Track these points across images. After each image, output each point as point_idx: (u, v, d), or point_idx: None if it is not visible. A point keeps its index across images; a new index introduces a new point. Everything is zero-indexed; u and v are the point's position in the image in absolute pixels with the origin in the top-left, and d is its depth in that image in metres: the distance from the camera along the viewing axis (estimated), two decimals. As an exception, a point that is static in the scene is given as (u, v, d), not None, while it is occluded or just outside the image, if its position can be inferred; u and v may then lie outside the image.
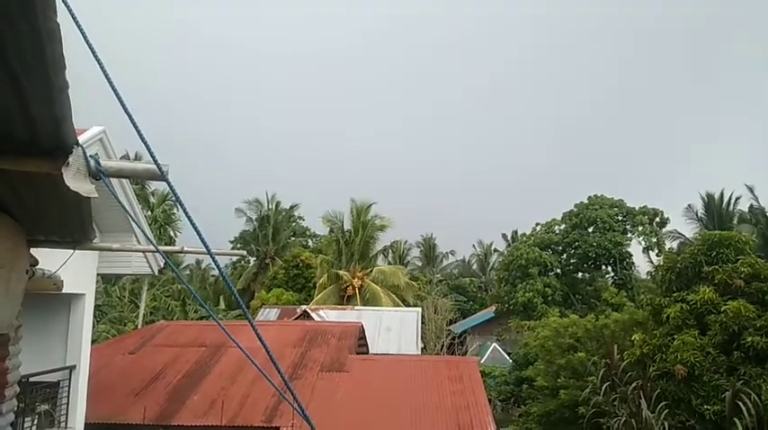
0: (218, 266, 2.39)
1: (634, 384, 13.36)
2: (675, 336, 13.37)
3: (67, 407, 9.87)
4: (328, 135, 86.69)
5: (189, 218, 2.03)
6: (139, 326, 24.66)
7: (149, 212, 33.63)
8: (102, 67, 1.74)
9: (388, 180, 72.34)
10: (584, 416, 14.73)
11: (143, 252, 9.97)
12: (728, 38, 74.68)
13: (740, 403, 11.45)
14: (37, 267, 3.80)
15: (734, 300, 12.79)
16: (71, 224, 3.20)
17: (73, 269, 5.95)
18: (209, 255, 2.68)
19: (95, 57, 1.69)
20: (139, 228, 8.47)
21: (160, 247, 4.36)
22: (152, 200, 36.02)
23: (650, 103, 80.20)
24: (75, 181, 2.28)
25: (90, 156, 2.37)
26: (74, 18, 1.62)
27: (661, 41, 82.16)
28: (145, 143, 1.96)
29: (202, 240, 2.04)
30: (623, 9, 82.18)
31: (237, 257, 47.76)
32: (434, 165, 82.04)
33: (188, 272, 46.16)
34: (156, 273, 12.09)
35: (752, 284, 13.26)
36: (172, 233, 35.97)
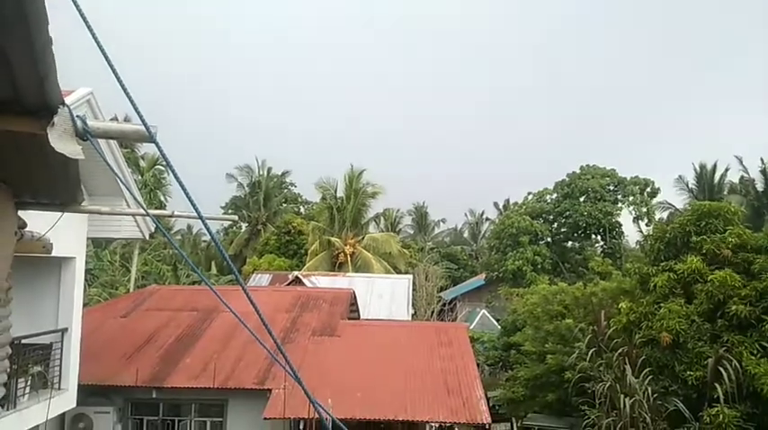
0: (209, 230, 2.36)
1: (620, 350, 13.63)
2: (662, 305, 13.59)
3: (60, 368, 9.94)
4: (323, 96, 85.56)
5: (178, 180, 1.99)
6: (131, 291, 24.73)
7: (139, 176, 33.34)
8: (88, 26, 1.67)
9: (381, 147, 71.93)
10: (569, 381, 15.08)
11: (133, 215, 9.90)
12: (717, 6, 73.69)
13: (722, 369, 11.74)
14: (26, 229, 3.75)
15: (721, 270, 12.97)
16: (58, 186, 3.14)
17: (63, 232, 5.90)
18: (199, 220, 2.65)
19: (81, 15, 1.62)
20: (129, 191, 8.38)
21: (150, 211, 4.31)
22: (142, 163, 35.64)
23: (645, 76, 79.59)
24: (61, 141, 2.23)
25: (77, 116, 2.31)
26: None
27: (657, 6, 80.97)
28: (132, 103, 1.90)
29: (193, 204, 2.00)
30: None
31: (229, 223, 47.71)
32: (427, 133, 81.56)
33: (179, 237, 46.07)
34: (147, 238, 12.06)
35: (739, 254, 13.43)
36: (162, 197, 35.71)
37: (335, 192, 36.25)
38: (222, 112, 78.76)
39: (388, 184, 37.28)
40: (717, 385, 11.73)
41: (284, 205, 51.78)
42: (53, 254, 6.29)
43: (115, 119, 27.32)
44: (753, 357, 11.74)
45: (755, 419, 11.65)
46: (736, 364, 11.66)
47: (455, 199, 58.78)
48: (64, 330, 9.99)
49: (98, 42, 1.75)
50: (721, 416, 11.38)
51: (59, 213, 3.80)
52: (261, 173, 47.87)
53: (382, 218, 48.69)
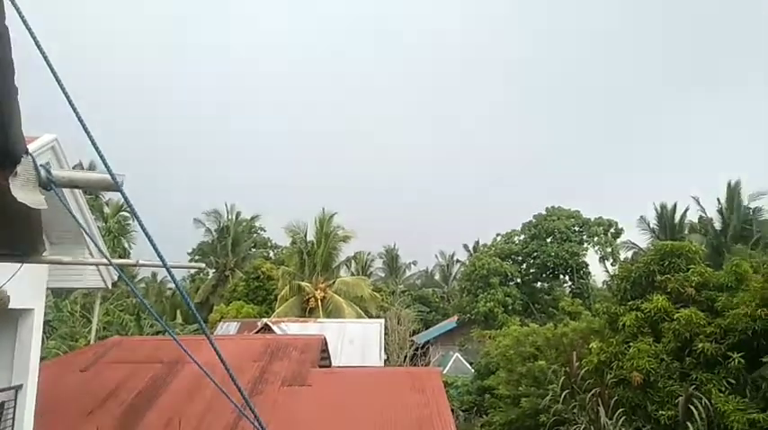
0: (173, 279, 2.30)
1: (592, 391, 13.63)
2: (631, 344, 13.73)
3: (13, 429, 9.35)
4: (288, 139, 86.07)
5: (143, 229, 1.95)
6: (92, 342, 23.72)
7: (103, 223, 32.60)
8: (53, 72, 1.66)
9: (350, 190, 72.29)
10: (545, 424, 14.93)
11: (96, 265, 9.60)
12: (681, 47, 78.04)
13: (692, 407, 11.82)
14: (-19, 282, 3.60)
15: (685, 308, 13.23)
16: (19, 236, 3.04)
17: (21, 283, 5.67)
18: (164, 268, 2.59)
19: (46, 61, 1.61)
20: (92, 240, 8.16)
21: (114, 260, 4.20)
22: (106, 209, 34.94)
23: (607, 119, 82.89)
24: (24, 191, 2.17)
25: (40, 165, 2.26)
26: (23, 20, 1.54)
27: (615, 48, 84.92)
28: (98, 150, 1.88)
29: (157, 252, 1.96)
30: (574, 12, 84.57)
31: (195, 270, 46.73)
32: (396, 176, 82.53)
33: (143, 285, 44.86)
34: (110, 287, 11.67)
35: (702, 292, 13.76)
36: (126, 244, 34.91)
37: (305, 236, 36.06)
38: (188, 154, 78.31)
39: (359, 226, 37.39)
40: (688, 423, 11.78)
41: (253, 250, 51.19)
42: (11, 306, 6.02)
43: (80, 166, 26.87)
44: (721, 394, 11.87)
45: (728, 458, 11.68)
46: (706, 402, 11.77)
47: (425, 241, 59.15)
48: (18, 387, 9.45)
49: (61, 85, 1.74)
50: (695, 456, 11.39)
51: (18, 265, 3.66)
52: (229, 217, 47.43)
53: (353, 261, 48.51)
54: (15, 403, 9.40)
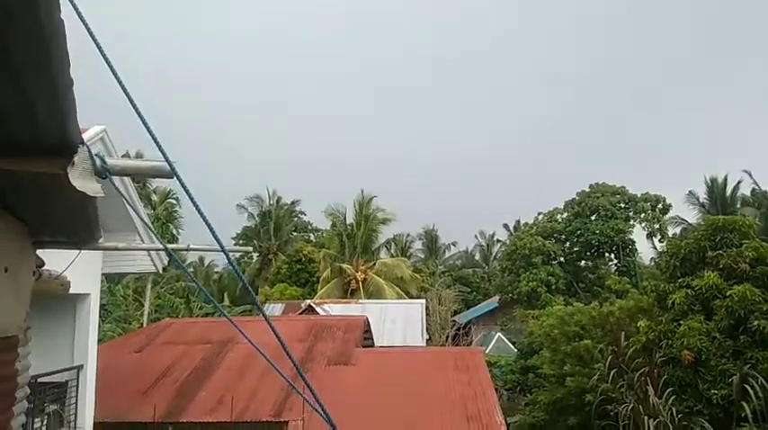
0: (230, 261, 2.37)
1: (641, 371, 13.37)
2: (681, 322, 13.37)
3: (76, 406, 9.89)
4: (330, 125, 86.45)
5: (201, 214, 2.01)
6: (145, 325, 24.72)
7: (152, 210, 33.64)
8: (109, 65, 1.71)
9: (389, 172, 72.27)
10: (591, 404, 14.77)
11: (150, 251, 9.96)
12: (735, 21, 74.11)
13: (747, 387, 11.46)
14: (43, 268, 3.78)
15: (739, 285, 12.77)
16: (77, 224, 3.17)
17: (78, 269, 5.94)
18: (215, 252, 2.66)
19: (102, 54, 1.66)
20: (147, 226, 8.46)
21: (168, 245, 4.34)
22: (154, 197, 36.01)
23: (653, 92, 79.71)
24: (82, 180, 2.26)
25: (95, 154, 2.35)
26: (79, 14, 1.59)
27: (666, 20, 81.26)
28: (154, 139, 1.93)
29: (216, 237, 2.02)
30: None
31: (240, 254, 47.85)
32: (435, 156, 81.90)
33: (192, 269, 46.21)
34: (161, 271, 12.10)
35: (757, 268, 13.24)
36: (174, 231, 35.96)
37: (345, 218, 36.34)
38: (227, 140, 79.66)
39: (398, 208, 37.39)
40: (744, 403, 11.44)
41: (294, 234, 51.93)
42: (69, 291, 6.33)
43: (127, 155, 27.73)
44: (779, 374, 11.47)
45: (786, 438, 11.32)
46: (762, 381, 11.39)
47: (465, 221, 58.67)
48: (79, 367, 9.97)
49: (117, 77, 1.79)
50: (750, 436, 11.08)
51: (77, 251, 3.84)
52: (271, 202, 48.19)
53: (393, 243, 48.61)
54: (78, 382, 9.94)
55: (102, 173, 2.32)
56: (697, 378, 12.70)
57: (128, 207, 8.58)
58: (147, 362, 14.35)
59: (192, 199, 2.10)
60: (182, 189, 2.13)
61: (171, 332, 16.49)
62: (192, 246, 3.82)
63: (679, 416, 12.26)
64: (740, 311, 12.46)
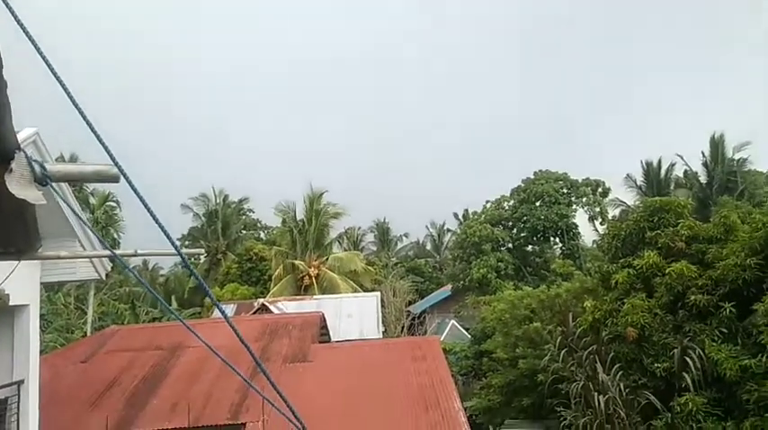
0: (186, 264, 2.27)
1: (589, 349, 13.90)
2: (625, 300, 13.97)
3: (18, 424, 9.37)
4: (271, 122, 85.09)
5: (155, 219, 1.92)
6: (89, 333, 23.69)
7: (90, 214, 32.23)
8: (48, 64, 1.59)
9: (337, 166, 71.90)
10: (543, 384, 15.27)
11: (93, 258, 9.52)
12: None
13: (687, 358, 12.11)
14: (-22, 282, 3.54)
15: (677, 262, 13.44)
16: (15, 234, 2.98)
17: (15, 280, 5.61)
18: (167, 256, 2.55)
19: (41, 53, 1.55)
20: (90, 232, 8.07)
21: (116, 251, 4.15)
22: (92, 200, 34.50)
23: (589, 75, 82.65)
24: (20, 188, 2.11)
25: (34, 160, 2.20)
26: (11, 11, 1.47)
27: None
28: (101, 142, 1.82)
29: (171, 240, 1.93)
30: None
31: (189, 255, 46.55)
32: (380, 147, 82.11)
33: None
34: (104, 277, 11.59)
35: (692, 246, 13.97)
36: (115, 234, 34.59)
37: (295, 214, 35.94)
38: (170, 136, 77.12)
39: (348, 201, 37.27)
40: (684, 374, 12.09)
41: (244, 232, 51.00)
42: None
43: (61, 158, 26.38)
44: (714, 344, 12.16)
45: (722, 403, 12.04)
46: (700, 352, 12.06)
47: (415, 212, 59.20)
48: (20, 382, 9.44)
49: (61, 81, 1.68)
50: (690, 404, 11.72)
51: (15, 262, 3.61)
52: (217, 201, 47.07)
53: (345, 237, 48.56)
54: (19, 398, 9.41)
55: (43, 179, 2.18)
56: (641, 353, 13.32)
57: (67, 213, 8.16)
58: (94, 372, 13.75)
59: (143, 201, 2.00)
60: (132, 191, 2.02)
61: (117, 339, 15.86)
62: (139, 251, 3.67)
63: (626, 390, 12.85)
64: (678, 287, 13.13)
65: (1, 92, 1.69)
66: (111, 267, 12.06)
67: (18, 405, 9.39)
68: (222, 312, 2.28)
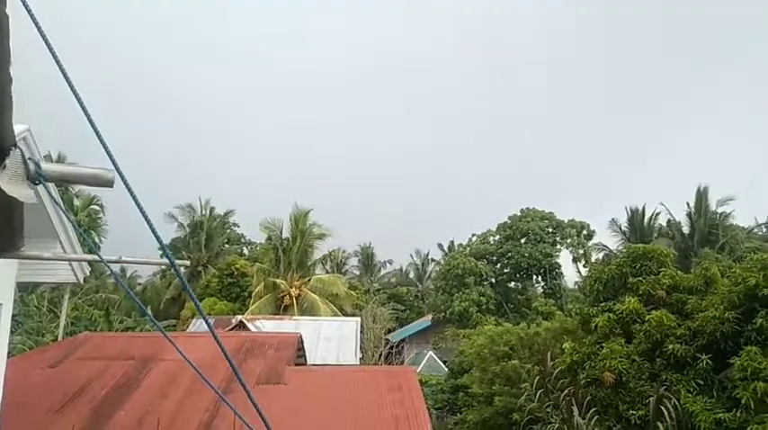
0: (179, 274, 2.24)
1: (566, 391, 13.81)
2: (603, 344, 13.97)
3: (-23, 427, 9.05)
4: (264, 138, 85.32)
5: (151, 226, 1.89)
6: (60, 338, 23.10)
7: (73, 216, 31.81)
8: (58, 63, 1.59)
9: (326, 189, 71.98)
10: (518, 423, 15.12)
11: (77, 261, 9.36)
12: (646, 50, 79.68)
13: (662, 407, 12.08)
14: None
15: (657, 310, 13.52)
16: (-1, 231, 2.93)
17: (-9, 278, 5.47)
18: (151, 265, 2.51)
19: (51, 51, 1.54)
20: (74, 235, 7.95)
21: (100, 257, 4.08)
22: (76, 202, 34.08)
23: (580, 121, 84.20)
24: (13, 185, 2.09)
25: (29, 158, 2.18)
26: (28, 10, 1.47)
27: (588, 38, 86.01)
28: (103, 143, 1.81)
29: (165, 250, 1.90)
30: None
31: (165, 266, 45.94)
32: (372, 175, 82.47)
33: (113, 280, 43.92)
34: (82, 281, 11.39)
35: (672, 295, 14.08)
36: (97, 239, 34.11)
37: (281, 232, 35.77)
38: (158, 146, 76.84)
39: (335, 222, 37.19)
40: (659, 423, 12.04)
41: (227, 246, 50.58)
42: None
43: (49, 157, 26.12)
44: (690, 395, 12.16)
45: (695, 456, 11.99)
46: (676, 402, 12.04)
47: (400, 240, 59.21)
48: (-17, 384, 9.15)
49: (68, 80, 1.67)
50: (663, 455, 11.64)
51: (-5, 259, 3.54)
52: (203, 213, 46.75)
53: (329, 259, 48.33)
54: (-19, 400, 9.11)
55: (36, 178, 2.17)
56: (618, 399, 13.27)
57: (51, 214, 8.06)
58: (62, 378, 13.37)
59: (140, 208, 1.98)
60: (130, 196, 2.00)
61: (89, 346, 15.47)
62: (124, 258, 3.61)
63: (600, 435, 12.76)
64: (657, 335, 13.17)
65: (5, 88, 1.68)
66: (90, 271, 11.86)
67: (-21, 407, 9.09)
68: (209, 325, 2.25)
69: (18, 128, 8.52)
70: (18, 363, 13.87)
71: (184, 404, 12.25)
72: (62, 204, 9.19)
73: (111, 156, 1.87)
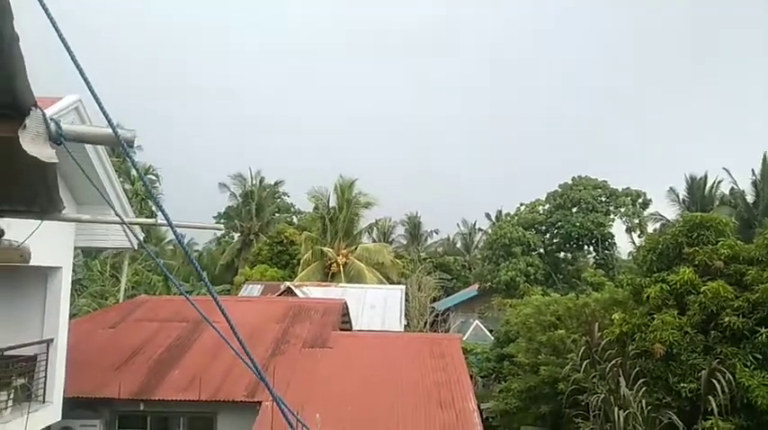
0: (177, 237, 2.27)
1: (613, 362, 13.52)
2: (655, 316, 13.52)
3: (45, 380, 9.74)
4: (315, 109, 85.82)
5: (146, 185, 1.91)
6: (120, 301, 24.43)
7: (130, 185, 33.11)
8: (59, 34, 1.58)
9: (374, 157, 71.98)
10: (563, 393, 14.96)
11: (113, 224, 9.76)
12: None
13: (715, 381, 11.66)
14: (3, 238, 3.64)
15: (713, 281, 12.93)
16: (35, 192, 3.04)
17: (48, 241, 5.77)
18: (173, 227, 2.55)
19: (52, 22, 1.53)
20: (118, 198, 8.27)
21: (128, 219, 4.21)
22: (134, 172, 35.44)
23: (639, 87, 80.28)
24: (34, 145, 2.13)
25: (50, 118, 2.22)
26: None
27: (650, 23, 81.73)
28: (101, 106, 1.81)
29: (162, 211, 1.91)
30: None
31: (222, 232, 47.45)
32: (421, 143, 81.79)
33: (171, 247, 45.80)
34: (135, 247, 11.90)
35: (731, 266, 13.40)
36: (153, 207, 35.49)
37: (328, 202, 36.16)
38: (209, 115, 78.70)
39: (381, 193, 37.25)
40: (710, 397, 11.65)
41: (277, 215, 51.62)
42: (37, 263, 6.16)
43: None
44: (746, 369, 11.67)
45: (750, 431, 11.57)
46: (730, 376, 11.59)
47: (448, 209, 58.77)
48: (49, 341, 9.80)
49: (67, 46, 1.67)
50: (715, 429, 11.29)
51: (39, 221, 3.70)
52: (253, 182, 47.77)
53: (375, 228, 48.58)
54: (47, 356, 9.77)
55: (57, 138, 2.20)
56: (668, 371, 12.89)
57: (105, 183, 8.38)
58: (121, 338, 14.18)
59: (135, 168, 2.02)
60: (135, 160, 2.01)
61: (146, 309, 16.31)
62: (158, 221, 3.70)
63: (648, 408, 12.45)
64: (712, 307, 12.63)
65: (13, 45, 1.69)
66: (145, 239, 12.36)
67: (47, 362, 9.76)
68: (212, 292, 2.26)
69: (71, 98, 8.83)
70: (82, 325, 14.78)
71: (235, 364, 12.76)
72: (102, 168, 9.53)
73: (106, 115, 1.87)
